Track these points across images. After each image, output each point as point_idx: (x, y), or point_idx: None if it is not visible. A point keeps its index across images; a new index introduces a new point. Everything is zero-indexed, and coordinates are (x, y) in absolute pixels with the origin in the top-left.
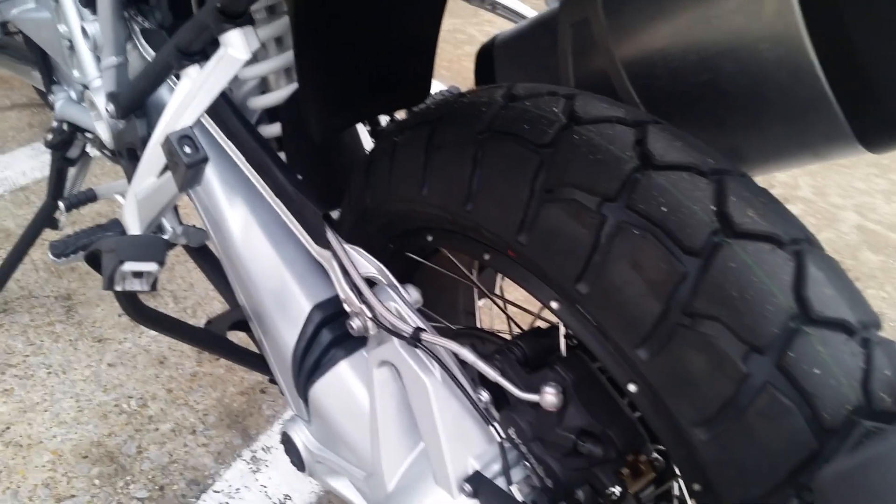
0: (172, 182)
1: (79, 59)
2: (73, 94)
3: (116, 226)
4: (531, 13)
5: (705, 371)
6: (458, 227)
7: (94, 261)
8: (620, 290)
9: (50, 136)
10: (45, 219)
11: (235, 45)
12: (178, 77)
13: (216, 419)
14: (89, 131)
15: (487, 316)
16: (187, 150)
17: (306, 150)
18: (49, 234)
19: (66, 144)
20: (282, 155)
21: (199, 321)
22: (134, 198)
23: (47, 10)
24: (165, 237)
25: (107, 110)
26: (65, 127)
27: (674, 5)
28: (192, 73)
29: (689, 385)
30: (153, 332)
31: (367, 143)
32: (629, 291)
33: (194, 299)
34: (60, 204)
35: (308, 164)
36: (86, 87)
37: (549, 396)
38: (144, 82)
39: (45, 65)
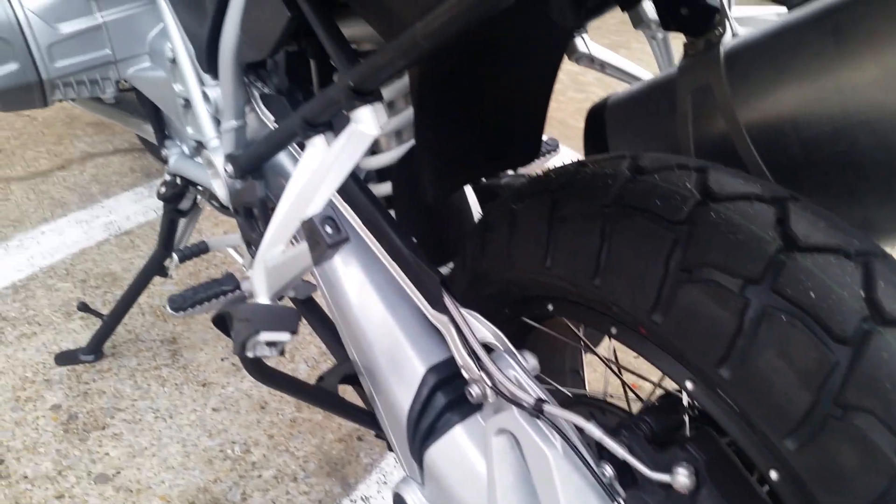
0: (306, 255)
1: (197, 120)
2: (186, 149)
3: (231, 281)
4: (643, 74)
5: (857, 464)
6: (585, 299)
7: (222, 323)
8: (767, 378)
9: (163, 189)
10: (156, 267)
11: (366, 121)
12: (300, 146)
13: (316, 466)
14: (203, 186)
15: (590, 371)
16: (329, 230)
17: (416, 208)
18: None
19: (178, 197)
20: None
21: (297, 365)
22: (263, 265)
23: (163, 70)
24: None
25: (225, 170)
26: (178, 181)
27: (803, 75)
28: (317, 142)
29: (839, 478)
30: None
31: (472, 198)
32: (777, 379)
33: (292, 343)
34: (174, 256)
35: (417, 222)
36: (200, 143)
37: (682, 478)
38: (266, 147)
39: (156, 119)
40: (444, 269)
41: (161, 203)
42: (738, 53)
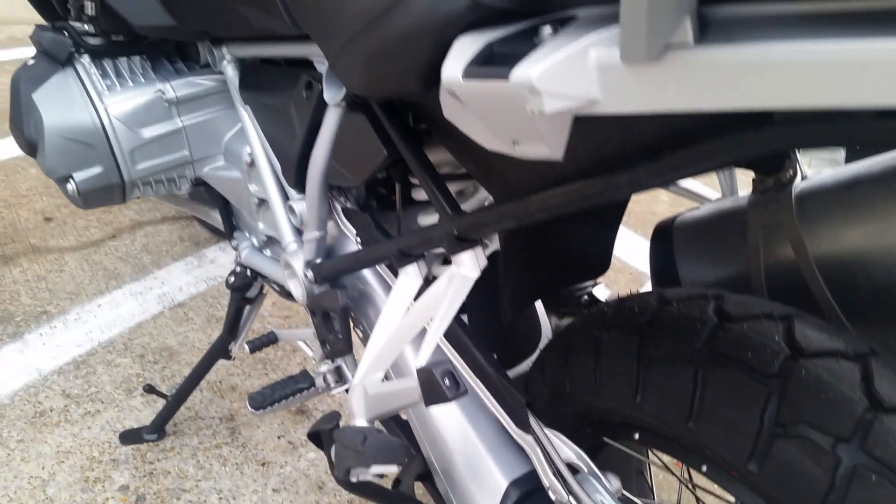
0: (415, 394)
1: (278, 226)
2: (255, 241)
3: (306, 378)
4: (708, 193)
5: None
6: (676, 437)
7: (317, 439)
8: None
9: (232, 279)
10: (220, 351)
11: (468, 264)
12: (394, 272)
13: None
14: (273, 280)
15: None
16: (448, 383)
17: (486, 314)
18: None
19: (247, 287)
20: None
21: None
22: (363, 389)
23: (238, 171)
24: (345, 385)
25: (306, 276)
26: (248, 273)
27: (873, 220)
28: (410, 271)
29: None
30: (311, 456)
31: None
32: None
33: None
34: (246, 346)
35: (486, 324)
36: (271, 238)
37: None
38: (352, 263)
39: (226, 211)
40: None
41: (210, 270)
42: (810, 196)
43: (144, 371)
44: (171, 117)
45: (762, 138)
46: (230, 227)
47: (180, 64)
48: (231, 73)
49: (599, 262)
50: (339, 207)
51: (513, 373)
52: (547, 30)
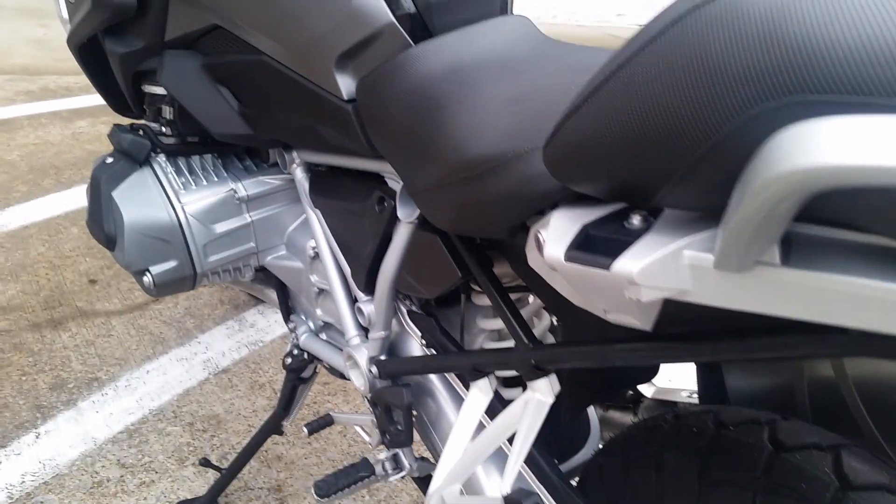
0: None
1: (343, 323)
2: (312, 325)
3: (367, 466)
4: None
5: None
6: None
7: None
8: None
9: (289, 361)
10: (273, 427)
11: (543, 391)
12: (465, 383)
13: None
14: (330, 364)
15: None
16: None
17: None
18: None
19: (303, 368)
20: None
21: None
22: (440, 499)
23: (300, 262)
24: (402, 473)
25: (370, 371)
26: (305, 356)
27: None
28: (481, 385)
29: None
30: None
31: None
32: None
33: (386, 491)
34: (305, 429)
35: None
36: (327, 323)
37: None
38: (420, 366)
39: (283, 294)
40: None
41: (251, 335)
42: None
43: (194, 440)
44: (240, 213)
45: (837, 344)
46: (287, 311)
47: (249, 161)
48: (300, 175)
49: (650, 370)
50: (404, 310)
51: (565, 467)
52: (637, 220)
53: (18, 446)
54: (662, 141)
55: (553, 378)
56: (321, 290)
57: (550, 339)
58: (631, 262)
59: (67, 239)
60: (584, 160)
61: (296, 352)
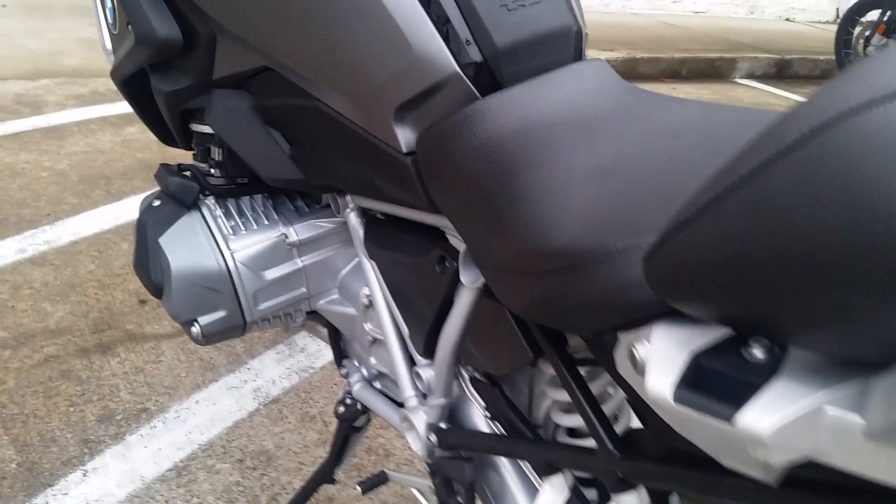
0: None
1: (399, 382)
2: (366, 373)
3: None
4: None
5: None
6: None
7: None
8: None
9: (341, 409)
10: (326, 476)
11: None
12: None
13: None
14: (384, 417)
15: None
16: None
17: None
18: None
19: (356, 417)
20: None
21: None
22: None
23: (353, 308)
24: None
25: (428, 438)
26: (358, 406)
27: None
28: (554, 481)
29: None
30: None
31: None
32: None
33: None
34: (357, 487)
35: None
36: (381, 373)
37: None
38: (485, 445)
39: (335, 338)
40: None
41: (301, 360)
42: None
43: (244, 479)
44: (292, 258)
45: None
46: (339, 355)
47: (300, 202)
48: (354, 222)
49: None
50: (466, 376)
51: None
52: (760, 352)
53: (66, 485)
54: (804, 275)
55: (643, 492)
56: (375, 339)
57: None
58: (760, 418)
59: (117, 255)
60: (699, 283)
61: (349, 401)
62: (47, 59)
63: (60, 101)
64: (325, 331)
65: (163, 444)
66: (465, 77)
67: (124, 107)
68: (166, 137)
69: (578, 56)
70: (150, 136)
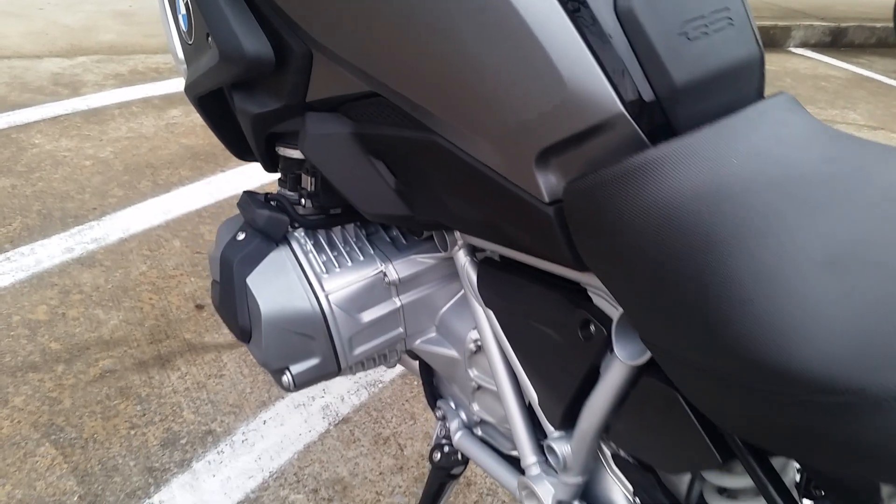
0: None
1: (519, 447)
2: (465, 417)
3: None
4: None
5: None
6: None
7: None
8: None
9: (437, 457)
10: None
11: None
12: None
13: None
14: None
15: None
16: None
17: None
18: None
19: (453, 466)
20: None
21: None
22: None
23: (454, 350)
24: None
25: None
26: (458, 455)
27: None
28: None
29: None
30: None
31: None
32: None
33: None
34: None
35: None
36: (485, 420)
37: None
38: None
39: (428, 375)
40: None
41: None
42: None
43: None
44: (389, 297)
45: None
46: (433, 393)
47: (395, 231)
48: (464, 261)
49: None
50: (608, 453)
51: None
52: None
53: None
54: None
55: None
56: (480, 387)
57: None
58: None
59: (170, 254)
60: None
61: (447, 448)
62: (83, 34)
63: (99, 82)
64: (415, 364)
65: (232, 471)
66: (630, 119)
67: (165, 87)
68: (244, 153)
69: (761, 90)
70: (195, 120)
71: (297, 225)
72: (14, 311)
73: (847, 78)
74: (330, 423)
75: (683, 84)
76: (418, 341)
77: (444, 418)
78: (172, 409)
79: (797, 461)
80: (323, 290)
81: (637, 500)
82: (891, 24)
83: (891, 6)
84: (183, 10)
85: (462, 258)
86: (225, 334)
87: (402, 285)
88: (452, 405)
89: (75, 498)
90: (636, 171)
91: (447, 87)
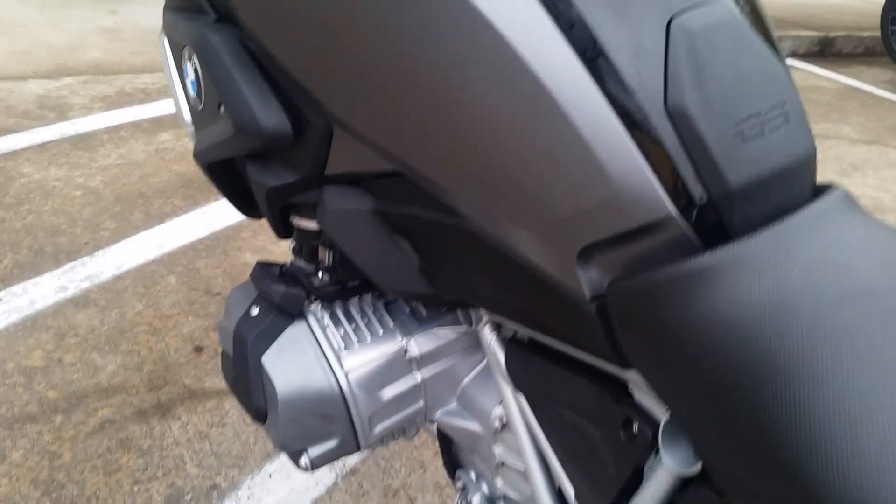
0: None
1: None
2: (486, 489)
3: None
4: None
5: None
6: None
7: None
8: None
9: None
10: None
11: None
12: None
13: None
14: None
15: None
16: None
17: None
18: None
19: None
20: None
21: None
22: None
23: (477, 424)
24: None
25: None
26: None
27: None
28: None
29: None
30: None
31: None
32: None
33: None
34: None
35: None
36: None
37: None
38: None
39: (446, 444)
40: None
41: None
42: None
43: None
44: (410, 372)
45: None
46: (452, 466)
47: (415, 301)
48: (491, 339)
49: None
50: None
51: None
52: None
53: None
54: None
55: None
56: (504, 463)
57: None
58: None
59: (166, 292)
60: None
61: None
62: (68, 54)
63: (86, 104)
64: (433, 428)
65: None
66: (681, 221)
67: (154, 109)
68: (254, 212)
69: (814, 184)
70: (186, 145)
71: (313, 297)
72: (9, 356)
73: (838, 90)
74: (337, 476)
75: (739, 187)
76: (438, 413)
77: (464, 489)
78: (175, 462)
79: None
80: (342, 368)
81: None
82: (878, 34)
83: (877, 15)
84: (191, 76)
85: (488, 335)
86: None
87: (422, 359)
88: (473, 476)
89: None
90: (692, 276)
91: (482, 176)
